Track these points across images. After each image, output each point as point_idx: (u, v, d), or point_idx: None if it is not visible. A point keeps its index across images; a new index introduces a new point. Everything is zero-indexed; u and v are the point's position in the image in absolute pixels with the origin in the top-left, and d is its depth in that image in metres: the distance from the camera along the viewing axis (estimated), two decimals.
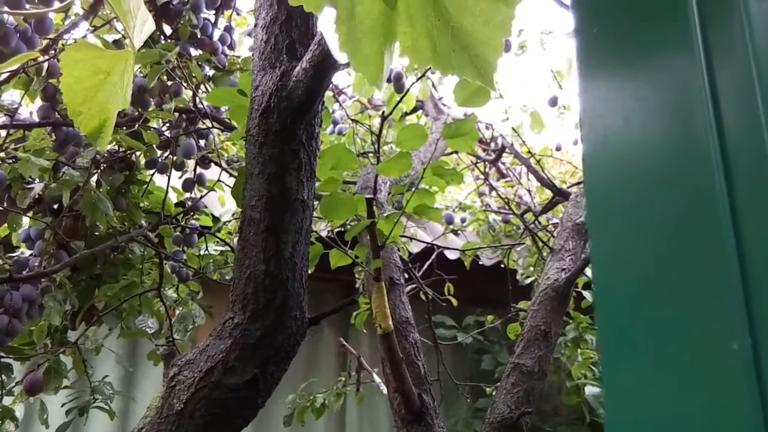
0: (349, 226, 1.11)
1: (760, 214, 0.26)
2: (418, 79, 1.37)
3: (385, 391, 1.26)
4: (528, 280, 2.64)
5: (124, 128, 1.56)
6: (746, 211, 0.26)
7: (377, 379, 1.57)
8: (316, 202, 0.96)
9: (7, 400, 1.59)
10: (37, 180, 1.55)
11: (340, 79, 2.74)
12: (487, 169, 2.80)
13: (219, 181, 1.60)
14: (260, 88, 0.85)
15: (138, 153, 1.72)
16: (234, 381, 0.76)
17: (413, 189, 1.08)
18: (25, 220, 1.64)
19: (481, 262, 3.06)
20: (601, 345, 0.31)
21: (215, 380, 0.75)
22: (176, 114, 1.66)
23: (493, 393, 1.36)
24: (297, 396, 1.98)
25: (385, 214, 1.04)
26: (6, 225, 1.64)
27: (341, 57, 0.88)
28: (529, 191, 2.74)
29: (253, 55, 0.90)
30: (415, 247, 2.43)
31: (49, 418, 1.65)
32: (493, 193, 2.67)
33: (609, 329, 0.32)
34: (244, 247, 0.82)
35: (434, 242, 1.91)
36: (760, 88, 0.26)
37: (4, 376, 1.57)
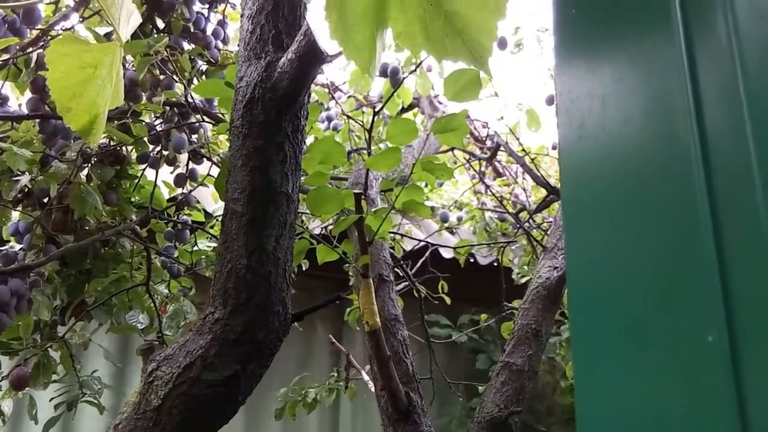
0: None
1: (739, 202, 0.24)
2: (410, 72, 1.35)
3: (373, 389, 1.25)
4: (523, 280, 2.62)
5: (115, 122, 1.55)
6: (725, 198, 0.25)
7: (366, 377, 1.55)
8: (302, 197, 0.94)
9: None
10: (26, 173, 1.54)
11: (335, 75, 2.72)
12: (482, 168, 2.79)
13: (209, 175, 1.58)
14: (245, 79, 0.83)
15: (129, 147, 1.71)
16: (213, 377, 0.74)
17: (404, 185, 1.06)
18: (15, 214, 1.63)
19: (476, 261, 3.04)
20: (573, 340, 0.30)
21: (194, 376, 0.73)
22: (167, 108, 1.64)
23: (482, 395, 1.35)
24: (289, 390, 1.97)
25: (373, 209, 1.02)
26: None
27: (329, 48, 0.86)
28: (524, 190, 2.72)
29: (238, 45, 0.89)
30: (409, 245, 2.42)
31: (39, 413, 1.64)
32: (489, 191, 2.66)
33: (581, 324, 0.30)
34: (226, 240, 0.80)
35: (428, 240, 1.89)
36: (740, 66, 0.24)
37: None
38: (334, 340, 1.81)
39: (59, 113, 0.78)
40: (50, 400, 1.66)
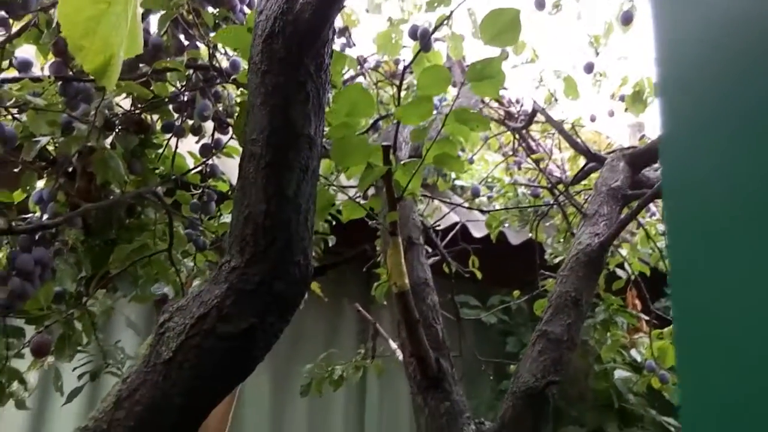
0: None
1: None
2: (436, 28, 1.27)
3: (401, 358, 1.19)
4: (557, 259, 2.53)
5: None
6: None
7: (393, 346, 1.49)
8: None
9: (22, 365, 1.55)
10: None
11: (364, 47, 2.65)
12: (515, 145, 2.69)
13: (231, 137, 1.53)
14: (264, 12, 0.77)
15: (155, 117, 1.67)
16: (229, 330, 0.68)
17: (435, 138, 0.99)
18: (40, 184, 1.61)
19: (507, 241, 2.95)
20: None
21: (208, 328, 0.68)
22: (191, 72, 1.60)
23: (518, 365, 1.27)
24: (315, 366, 1.93)
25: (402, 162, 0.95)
26: (20, 189, 1.61)
27: None
28: (558, 167, 2.62)
29: None
30: (440, 222, 2.35)
31: (66, 386, 1.62)
32: (523, 166, 2.56)
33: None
34: (243, 185, 0.74)
35: (460, 205, 1.81)
36: None
37: (14, 339, 1.53)
38: (360, 308, 1.75)
39: (70, 51, 0.73)
40: (73, 370, 1.64)
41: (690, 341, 0.25)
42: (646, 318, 2.34)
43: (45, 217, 1.55)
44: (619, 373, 2.65)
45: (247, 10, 1.77)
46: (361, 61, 2.33)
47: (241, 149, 1.71)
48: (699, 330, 0.25)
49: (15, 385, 1.51)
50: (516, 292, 2.38)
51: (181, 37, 1.58)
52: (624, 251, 2.28)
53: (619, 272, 2.31)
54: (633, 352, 2.50)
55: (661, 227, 2.35)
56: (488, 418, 2.96)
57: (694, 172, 0.25)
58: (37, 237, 1.45)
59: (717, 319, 0.24)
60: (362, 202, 1.37)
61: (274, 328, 0.72)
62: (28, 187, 1.61)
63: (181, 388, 0.66)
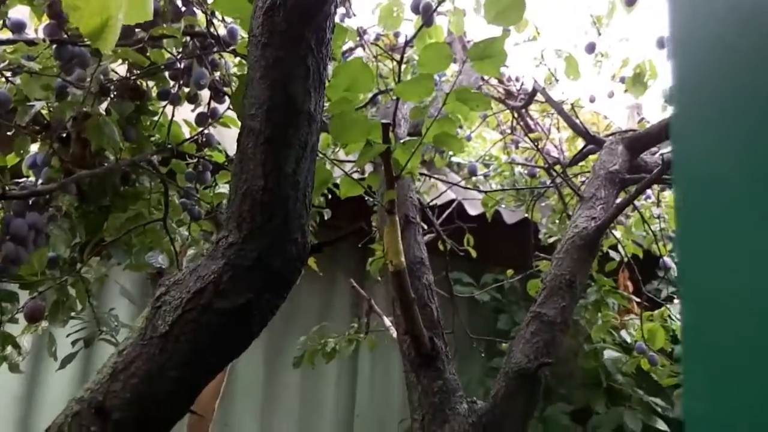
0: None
1: None
2: (439, 3, 1.25)
3: (395, 334, 1.19)
4: (551, 240, 2.54)
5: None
6: None
7: (387, 323, 1.50)
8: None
9: (15, 330, 1.56)
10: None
11: (364, 19, 2.62)
12: (514, 124, 2.68)
13: (228, 107, 1.52)
14: None
15: (151, 84, 1.65)
16: (225, 305, 0.68)
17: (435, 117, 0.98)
18: (34, 148, 1.59)
19: (502, 220, 2.96)
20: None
21: (204, 303, 0.68)
22: (188, 39, 1.57)
23: (510, 345, 1.28)
24: (308, 338, 1.94)
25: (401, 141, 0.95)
26: (14, 153, 1.59)
27: None
28: (556, 147, 2.61)
29: None
30: (436, 200, 2.34)
31: (59, 351, 1.62)
32: (520, 146, 2.55)
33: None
34: (242, 160, 0.73)
35: (458, 184, 1.81)
36: None
37: (8, 304, 1.53)
38: (354, 284, 1.76)
39: (65, 11, 0.72)
40: (67, 336, 1.65)
41: (698, 328, 0.25)
42: (638, 300, 2.36)
43: (39, 182, 1.53)
44: (609, 353, 2.68)
45: None
46: (361, 33, 2.30)
47: (239, 122, 1.70)
48: (708, 317, 0.24)
49: (8, 349, 1.51)
50: (510, 271, 2.39)
51: (179, 2, 1.55)
52: (618, 233, 2.29)
53: (613, 254, 2.32)
54: (623, 333, 2.53)
55: (656, 210, 2.35)
56: (478, 394, 3.01)
57: (705, 155, 0.25)
58: (30, 202, 1.44)
59: (726, 304, 0.24)
60: (359, 176, 1.37)
61: (270, 304, 0.72)
62: (21, 151, 1.60)
63: (176, 362, 0.67)
